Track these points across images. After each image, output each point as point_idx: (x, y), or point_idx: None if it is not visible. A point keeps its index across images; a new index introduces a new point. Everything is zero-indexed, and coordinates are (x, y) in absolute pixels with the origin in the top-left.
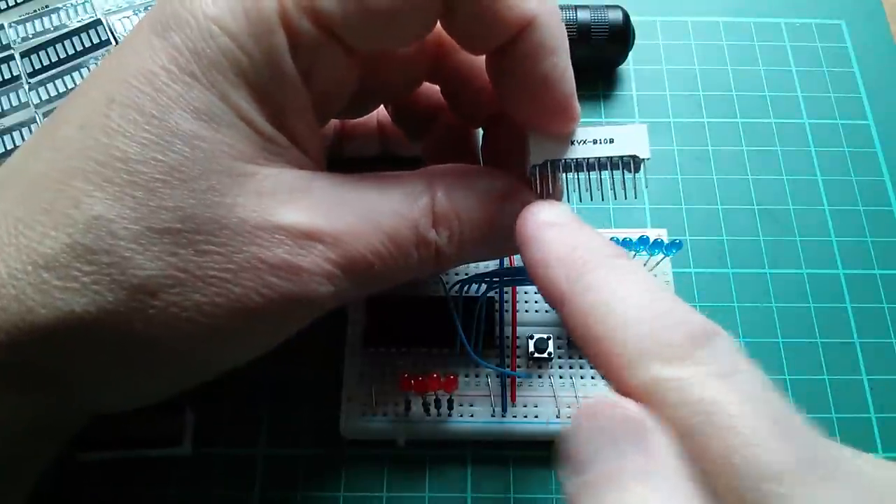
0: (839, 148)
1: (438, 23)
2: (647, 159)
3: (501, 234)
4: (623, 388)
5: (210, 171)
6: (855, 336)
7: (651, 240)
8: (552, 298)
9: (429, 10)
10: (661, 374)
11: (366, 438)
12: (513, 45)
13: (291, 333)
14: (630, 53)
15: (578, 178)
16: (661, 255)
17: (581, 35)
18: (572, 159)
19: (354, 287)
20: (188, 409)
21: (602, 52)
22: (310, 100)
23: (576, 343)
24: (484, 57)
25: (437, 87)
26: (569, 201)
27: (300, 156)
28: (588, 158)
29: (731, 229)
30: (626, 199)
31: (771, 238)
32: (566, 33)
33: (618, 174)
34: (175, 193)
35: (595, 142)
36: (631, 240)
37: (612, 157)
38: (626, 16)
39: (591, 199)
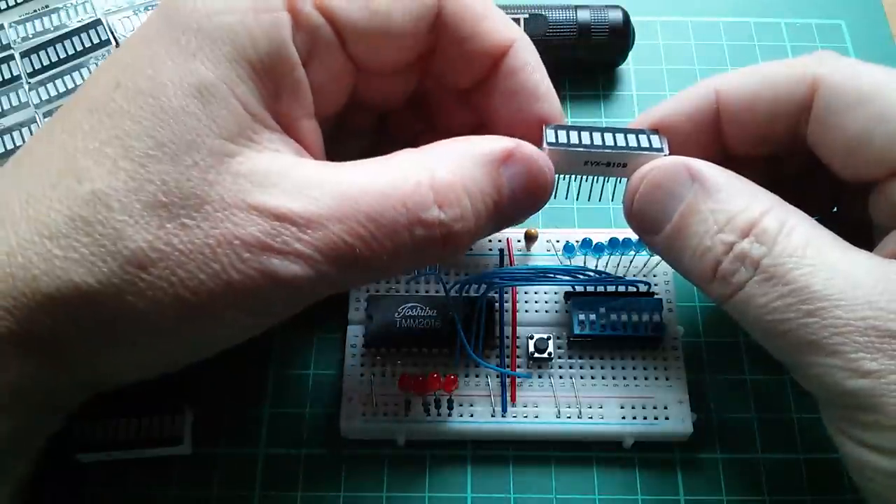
0: None
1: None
2: None
3: (514, 200)
4: None
5: (195, 148)
6: None
7: None
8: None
9: (424, 7)
10: None
11: (366, 438)
12: (500, 66)
13: (281, 317)
14: (630, 53)
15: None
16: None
17: (581, 35)
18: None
19: (342, 272)
20: (188, 409)
21: (602, 52)
22: (307, 84)
23: None
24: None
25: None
26: (566, 197)
27: (289, 140)
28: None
29: None
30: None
31: None
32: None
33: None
34: (161, 168)
35: (608, 164)
36: (631, 240)
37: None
38: (626, 16)
39: (588, 200)
